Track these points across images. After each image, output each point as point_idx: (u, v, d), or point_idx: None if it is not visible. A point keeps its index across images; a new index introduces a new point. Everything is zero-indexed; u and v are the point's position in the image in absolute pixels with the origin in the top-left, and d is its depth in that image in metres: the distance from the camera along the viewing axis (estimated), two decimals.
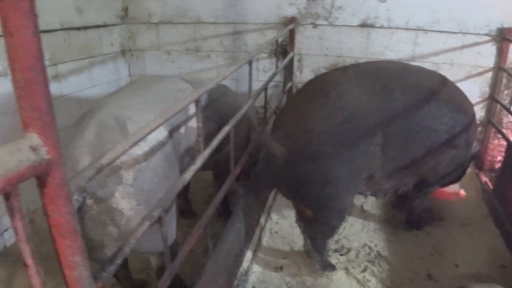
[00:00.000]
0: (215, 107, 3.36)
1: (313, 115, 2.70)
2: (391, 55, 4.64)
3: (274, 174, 2.78)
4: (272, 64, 4.92)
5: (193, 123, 2.99)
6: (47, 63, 3.97)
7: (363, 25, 4.61)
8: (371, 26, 4.60)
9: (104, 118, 2.36)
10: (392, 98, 2.82)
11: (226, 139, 3.51)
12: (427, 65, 4.56)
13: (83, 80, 4.52)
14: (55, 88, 4.12)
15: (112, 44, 4.95)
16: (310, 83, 3.11)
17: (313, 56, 4.80)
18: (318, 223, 3.00)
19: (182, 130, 2.86)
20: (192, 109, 3.00)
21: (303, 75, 4.72)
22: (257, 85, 4.85)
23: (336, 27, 4.68)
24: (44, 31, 3.90)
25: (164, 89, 2.98)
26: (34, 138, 0.89)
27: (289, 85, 4.78)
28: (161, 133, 2.55)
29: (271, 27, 4.79)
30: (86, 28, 4.50)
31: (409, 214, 3.74)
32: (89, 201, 2.13)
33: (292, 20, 4.68)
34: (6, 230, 3.66)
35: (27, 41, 0.80)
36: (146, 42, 5.15)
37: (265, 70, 4.95)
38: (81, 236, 2.17)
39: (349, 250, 3.52)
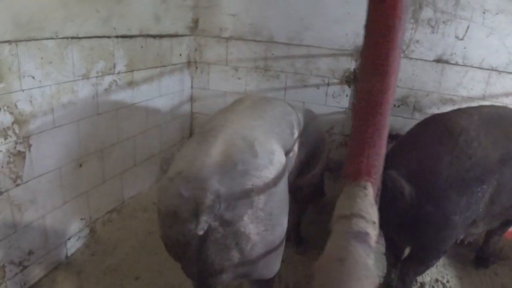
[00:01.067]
0: (307, 132, 3.25)
1: (441, 158, 2.64)
2: (463, 93, 4.50)
3: (396, 213, 2.63)
4: (342, 90, 4.77)
5: (295, 147, 2.90)
6: (124, 69, 3.81)
7: (439, 60, 4.48)
8: (446, 62, 4.47)
9: (231, 138, 2.27)
10: (510, 148, 2.76)
11: (312, 164, 3.41)
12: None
13: (153, 89, 4.35)
14: (129, 95, 3.96)
15: (180, 55, 4.80)
16: (432, 121, 3.07)
17: None
18: (418, 262, 2.96)
19: (290, 154, 2.76)
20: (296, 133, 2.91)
21: None
22: (324, 110, 4.76)
23: (412, 60, 4.54)
24: (124, 36, 3.75)
25: (277, 112, 2.93)
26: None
27: None
28: (282, 157, 2.45)
29: (346, 54, 4.64)
30: (161, 36, 4.35)
31: (481, 252, 3.75)
32: (214, 223, 2.02)
33: None
34: (69, 238, 3.46)
35: None
36: (214, 56, 4.99)
37: (334, 95, 4.79)
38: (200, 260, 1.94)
39: (422, 285, 3.49)
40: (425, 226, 2.64)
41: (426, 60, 4.52)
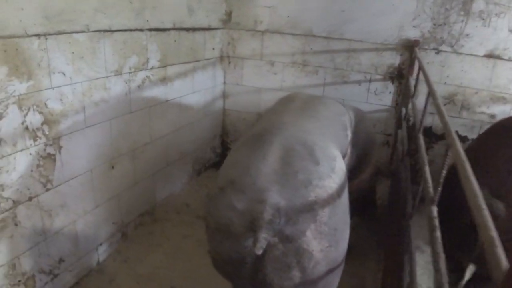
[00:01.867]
0: (357, 133, 2.97)
1: None
2: None
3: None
4: (385, 87, 4.45)
5: (348, 150, 2.63)
6: (157, 64, 3.56)
7: (490, 55, 4.14)
8: (498, 57, 4.13)
9: (289, 143, 2.03)
10: None
11: (361, 168, 3.16)
12: None
13: (186, 85, 4.10)
14: (162, 91, 3.72)
15: (213, 49, 4.53)
16: (507, 128, 2.75)
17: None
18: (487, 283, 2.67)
19: (345, 158, 2.50)
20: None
21: (418, 101, 4.21)
22: (366, 108, 4.43)
23: (461, 55, 4.20)
24: (158, 29, 3.50)
25: (330, 112, 2.69)
26: None
27: (403, 111, 4.30)
28: (343, 163, 2.21)
29: (390, 48, 4.32)
30: (194, 29, 4.09)
31: None
32: (273, 240, 1.78)
33: (415, 43, 4.20)
34: (100, 244, 3.24)
35: None
36: (248, 50, 4.71)
37: (376, 92, 4.48)
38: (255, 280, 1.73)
39: None
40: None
41: (476, 55, 4.18)
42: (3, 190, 2.37)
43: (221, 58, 4.75)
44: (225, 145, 5.20)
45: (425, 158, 2.29)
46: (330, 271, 2.02)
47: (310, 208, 1.82)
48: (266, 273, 1.85)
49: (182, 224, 3.81)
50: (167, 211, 3.97)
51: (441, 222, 2.10)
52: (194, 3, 4.01)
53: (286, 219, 1.77)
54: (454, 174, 2.01)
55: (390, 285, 2.81)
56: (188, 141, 4.35)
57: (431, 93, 2.57)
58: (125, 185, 3.44)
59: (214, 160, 5.09)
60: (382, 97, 4.50)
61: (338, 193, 1.95)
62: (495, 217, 2.24)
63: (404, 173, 3.47)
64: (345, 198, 2.04)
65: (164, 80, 3.71)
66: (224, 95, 4.97)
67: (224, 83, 4.91)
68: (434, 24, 4.19)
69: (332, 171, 1.99)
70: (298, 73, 4.62)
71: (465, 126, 4.37)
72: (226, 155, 5.12)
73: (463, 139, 4.40)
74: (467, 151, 2.91)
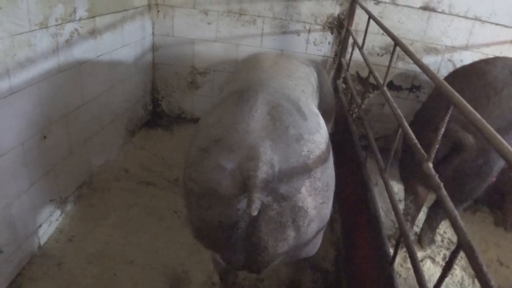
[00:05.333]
0: (321, 91, 2.80)
1: (489, 112, 2.58)
2: (446, 42, 4.20)
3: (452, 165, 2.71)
4: (324, 37, 4.22)
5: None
6: (85, 14, 2.96)
7: (425, 8, 4.10)
8: (433, 10, 4.10)
9: (274, 98, 1.83)
10: None
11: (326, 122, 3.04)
12: (477, 55, 4.21)
13: (116, 38, 3.51)
14: (92, 46, 3.12)
15: None
16: (468, 71, 3.04)
17: (370, 34, 4.15)
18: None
19: None
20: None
21: (355, 51, 4.07)
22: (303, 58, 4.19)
23: (398, 6, 4.10)
24: None
25: (301, 73, 2.52)
26: None
27: (343, 62, 4.13)
28: (323, 120, 2.07)
29: None
30: None
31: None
32: (267, 199, 1.64)
33: None
34: (40, 226, 2.74)
35: None
36: None
37: (315, 43, 4.24)
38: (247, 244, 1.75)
39: None
40: (471, 177, 2.72)
41: (412, 7, 4.10)
42: None
43: (149, 6, 4.14)
44: (155, 102, 4.69)
45: (399, 114, 2.11)
46: (321, 229, 1.95)
47: (304, 164, 1.69)
48: (261, 236, 1.70)
49: (125, 192, 3.37)
50: (106, 180, 3.48)
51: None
52: None
53: (280, 176, 1.62)
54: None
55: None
56: (120, 100, 3.80)
57: (398, 45, 2.36)
58: (59, 157, 2.90)
59: (146, 119, 4.58)
60: (321, 47, 4.28)
61: (327, 148, 1.85)
62: (467, 147, 2.56)
63: (353, 124, 3.36)
64: (331, 153, 1.93)
65: (93, 33, 3.11)
66: (154, 48, 4.40)
67: (153, 34, 4.32)
68: None
69: (319, 126, 1.88)
70: (234, 23, 4.20)
71: (400, 76, 4.34)
72: (157, 113, 4.69)
73: (397, 88, 4.38)
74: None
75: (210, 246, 1.93)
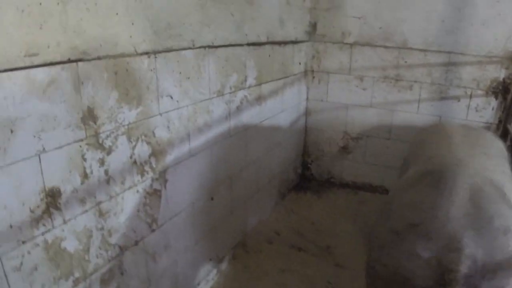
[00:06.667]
0: None
1: None
2: None
3: None
4: (487, 103, 3.81)
5: None
6: (254, 82, 3.07)
7: None
8: None
9: (475, 182, 1.63)
10: None
11: None
12: None
13: (277, 104, 3.59)
14: (257, 112, 3.23)
15: (299, 63, 4.00)
16: None
17: None
18: None
19: None
20: None
21: None
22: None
23: None
24: (255, 44, 3.01)
25: (495, 148, 2.22)
26: None
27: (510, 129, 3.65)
28: None
29: (494, 61, 3.67)
30: (285, 43, 3.58)
31: None
32: None
33: None
34: (198, 284, 2.75)
35: None
36: (334, 63, 4.16)
37: (477, 109, 3.84)
38: None
39: None
40: None
41: None
42: (110, 235, 1.90)
43: (305, 72, 4.21)
44: (305, 165, 4.65)
45: None
46: None
47: (510, 260, 1.48)
48: None
49: (277, 256, 3.27)
50: (259, 241, 3.44)
51: None
52: (285, 14, 3.50)
53: (483, 272, 1.46)
54: None
55: None
56: (276, 163, 3.83)
57: None
58: (222, 216, 2.95)
59: (296, 182, 4.54)
60: (484, 113, 3.85)
61: None
62: None
63: None
64: None
65: (259, 99, 3.20)
66: (307, 112, 4.42)
67: (307, 99, 4.36)
68: None
69: None
70: (389, 89, 4.03)
71: None
72: (305, 176, 4.63)
73: None
74: None
75: None
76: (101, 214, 1.82)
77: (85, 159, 1.70)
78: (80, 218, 1.71)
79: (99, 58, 1.70)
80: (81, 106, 1.65)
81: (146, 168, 2.07)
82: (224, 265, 3.08)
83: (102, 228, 1.84)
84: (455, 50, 3.75)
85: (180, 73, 2.22)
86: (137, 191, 2.03)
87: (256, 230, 3.55)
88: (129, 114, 1.91)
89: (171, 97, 2.18)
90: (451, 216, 1.52)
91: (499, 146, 2.28)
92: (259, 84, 3.17)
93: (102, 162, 1.79)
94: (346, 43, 4.06)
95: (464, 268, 1.43)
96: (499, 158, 2.05)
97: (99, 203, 1.81)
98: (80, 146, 1.67)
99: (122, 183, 1.92)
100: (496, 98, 3.79)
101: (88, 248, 1.77)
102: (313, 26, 4.13)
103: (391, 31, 3.88)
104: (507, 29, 3.58)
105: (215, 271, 2.96)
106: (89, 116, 1.70)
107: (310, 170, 4.65)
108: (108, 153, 1.82)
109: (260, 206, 3.62)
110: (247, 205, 3.33)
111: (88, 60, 1.65)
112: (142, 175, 2.05)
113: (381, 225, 1.74)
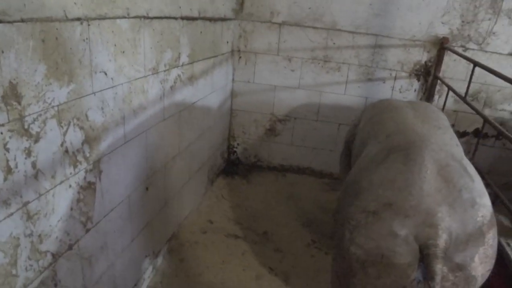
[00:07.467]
0: None
1: None
2: None
3: None
4: (410, 84, 3.95)
5: None
6: (187, 59, 2.79)
7: None
8: None
9: (441, 158, 1.65)
10: None
11: None
12: None
13: (207, 84, 3.33)
14: (190, 92, 2.95)
15: (227, 42, 3.77)
16: None
17: (457, 81, 3.89)
18: None
19: None
20: None
21: (442, 99, 3.79)
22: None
23: (487, 53, 3.83)
24: (188, 18, 2.72)
25: (445, 121, 2.27)
26: None
27: None
28: None
29: (418, 44, 3.81)
30: (215, 20, 3.32)
31: None
32: (438, 267, 1.45)
33: (444, 40, 3.74)
34: (135, 284, 2.45)
35: None
36: (262, 44, 3.99)
37: (401, 90, 3.98)
38: None
39: None
40: None
41: (500, 54, 3.82)
42: (41, 242, 1.55)
43: (232, 52, 3.99)
44: (230, 149, 4.45)
45: None
46: None
47: (479, 230, 1.55)
48: None
49: (214, 246, 3.07)
50: (193, 232, 3.20)
51: None
52: None
53: (457, 244, 1.51)
54: None
55: None
56: (206, 148, 3.58)
57: None
58: (157, 209, 2.65)
59: (222, 167, 4.33)
60: (407, 94, 4.00)
61: (493, 211, 1.68)
62: None
63: None
64: None
65: (191, 78, 2.93)
66: (232, 94, 4.21)
67: (233, 80, 4.15)
68: (463, 21, 3.76)
69: (483, 187, 1.71)
70: (318, 70, 3.98)
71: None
72: (231, 160, 4.44)
73: (483, 135, 4.03)
74: None
75: None
76: (29, 217, 1.46)
77: (7, 150, 1.33)
78: (4, 224, 1.34)
79: (22, 20, 1.33)
80: (1, 81, 1.27)
81: (79, 157, 1.72)
82: (159, 261, 2.80)
83: (31, 234, 1.47)
84: (382, 33, 3.82)
85: (115, 45, 1.88)
86: (70, 186, 1.68)
87: (189, 220, 3.30)
88: (60, 93, 1.55)
89: (106, 74, 1.84)
90: (425, 192, 1.52)
91: (444, 117, 2.34)
92: (192, 63, 2.89)
93: (28, 152, 1.42)
94: (275, 23, 3.92)
95: (441, 242, 1.45)
96: (449, 131, 2.09)
97: (27, 203, 1.44)
98: (1, 133, 1.30)
99: (53, 177, 1.57)
100: (418, 80, 3.96)
101: (15, 261, 1.41)
102: (241, 4, 3.91)
103: (320, 12, 3.82)
104: (431, 14, 3.73)
105: (150, 268, 2.66)
106: (12, 95, 1.32)
107: (236, 154, 4.47)
108: (36, 141, 1.45)
109: (191, 195, 3.37)
110: (180, 194, 3.05)
111: (9, 22, 1.28)
112: (75, 167, 1.70)
113: (352, 205, 1.66)
